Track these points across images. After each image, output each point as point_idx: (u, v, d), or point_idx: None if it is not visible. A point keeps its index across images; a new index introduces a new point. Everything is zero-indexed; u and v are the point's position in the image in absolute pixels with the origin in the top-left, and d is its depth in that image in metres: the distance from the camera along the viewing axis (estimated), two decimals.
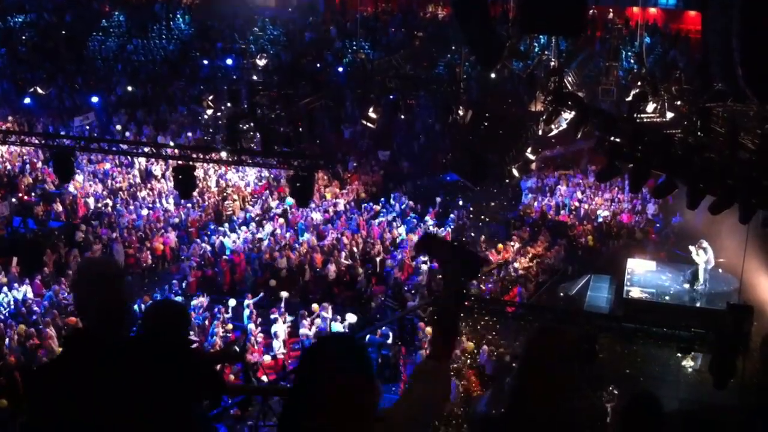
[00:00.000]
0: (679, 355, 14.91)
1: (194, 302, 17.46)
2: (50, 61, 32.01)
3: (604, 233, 22.96)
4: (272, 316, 16.93)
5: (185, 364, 3.45)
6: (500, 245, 21.56)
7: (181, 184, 16.31)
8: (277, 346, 16.67)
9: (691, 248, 17.96)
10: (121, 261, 19.24)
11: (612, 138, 14.96)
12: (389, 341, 16.57)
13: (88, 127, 27.12)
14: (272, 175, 25.72)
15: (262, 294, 18.40)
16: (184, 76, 32.34)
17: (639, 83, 21.14)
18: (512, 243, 21.85)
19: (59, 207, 22.44)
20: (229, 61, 32.42)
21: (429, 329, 16.16)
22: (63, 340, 3.09)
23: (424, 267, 19.42)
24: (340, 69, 30.75)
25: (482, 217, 24.01)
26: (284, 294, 17.89)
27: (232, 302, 17.63)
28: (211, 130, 27.34)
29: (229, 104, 24.20)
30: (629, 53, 29.08)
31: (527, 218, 23.90)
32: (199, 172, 21.70)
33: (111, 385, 2.87)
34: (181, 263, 20.37)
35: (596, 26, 30.97)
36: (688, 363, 15.71)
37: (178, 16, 36.08)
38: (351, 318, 17.26)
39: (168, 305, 5.13)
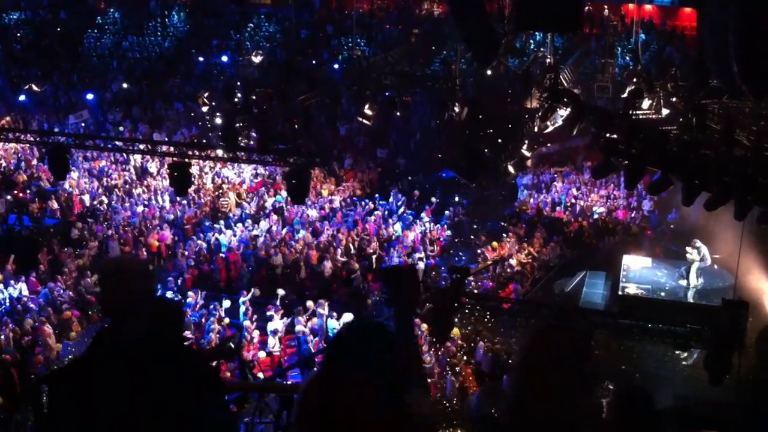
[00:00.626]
0: (677, 352, 14.91)
1: (190, 299, 17.43)
2: (45, 59, 31.97)
3: (600, 230, 22.98)
4: (268, 313, 16.91)
5: (184, 363, 3.44)
6: (496, 242, 21.57)
7: (176, 181, 16.27)
8: (273, 343, 16.65)
9: (688, 248, 18.00)
10: None
11: (607, 135, 14.95)
12: None
13: (83, 125, 27.08)
14: (268, 172, 25.70)
15: (254, 290, 18.39)
16: (179, 73, 32.31)
17: (635, 80, 21.15)
18: (508, 239, 21.86)
19: (54, 204, 22.39)
20: (224, 58, 32.38)
21: (425, 326, 16.17)
22: (91, 339, 3.10)
23: (421, 264, 19.41)
24: (336, 66, 30.73)
25: (478, 213, 24.03)
26: (280, 292, 17.94)
27: (226, 304, 17.61)
28: (207, 127, 27.29)
29: (224, 101, 24.14)
30: (625, 50, 29.11)
31: (523, 215, 23.90)
32: (194, 169, 21.63)
33: (123, 385, 2.90)
34: (177, 260, 20.33)
35: (592, 23, 31.04)
36: (682, 354, 15.70)
37: (174, 13, 36.03)
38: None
39: (162, 303, 5.11)
